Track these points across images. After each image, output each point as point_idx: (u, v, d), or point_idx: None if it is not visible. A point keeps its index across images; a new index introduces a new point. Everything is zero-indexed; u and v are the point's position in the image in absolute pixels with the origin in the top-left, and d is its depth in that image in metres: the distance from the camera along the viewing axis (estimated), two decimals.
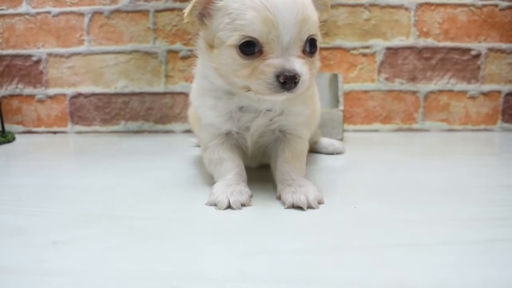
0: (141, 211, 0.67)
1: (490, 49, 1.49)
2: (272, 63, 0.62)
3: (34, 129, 1.58)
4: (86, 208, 0.69)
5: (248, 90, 0.66)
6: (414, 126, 1.52)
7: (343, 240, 0.55)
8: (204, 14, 0.69)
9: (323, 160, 1.06)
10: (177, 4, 1.47)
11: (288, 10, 0.62)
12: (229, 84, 0.69)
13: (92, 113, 1.55)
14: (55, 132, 1.57)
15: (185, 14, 0.68)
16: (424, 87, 1.50)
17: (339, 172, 0.98)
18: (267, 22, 0.61)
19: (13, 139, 1.42)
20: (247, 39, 0.63)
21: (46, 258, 0.50)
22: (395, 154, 1.14)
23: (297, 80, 0.62)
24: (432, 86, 1.50)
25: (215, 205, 0.67)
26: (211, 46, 0.69)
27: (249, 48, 0.63)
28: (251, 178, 0.77)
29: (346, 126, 1.44)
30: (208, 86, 0.74)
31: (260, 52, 0.63)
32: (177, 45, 1.49)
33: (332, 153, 1.11)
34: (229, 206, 0.66)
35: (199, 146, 1.12)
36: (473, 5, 1.47)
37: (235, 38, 0.63)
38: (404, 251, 0.51)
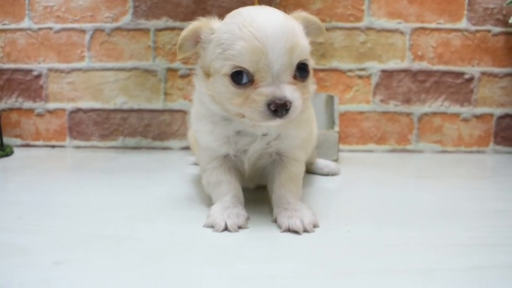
0: (139, 232, 0.69)
1: (483, 73, 1.52)
2: (263, 92, 0.63)
3: (32, 143, 1.59)
4: (86, 227, 0.70)
5: (243, 117, 0.68)
6: (408, 147, 1.54)
7: (336, 265, 0.57)
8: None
9: (319, 181, 1.07)
10: (177, 24, 1.49)
11: (277, 39, 0.62)
12: (225, 111, 0.71)
13: (90, 128, 1.56)
14: (53, 146, 1.58)
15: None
16: (418, 109, 1.53)
17: (334, 194, 1.00)
18: (257, 52, 0.62)
19: (12, 152, 1.43)
20: (237, 69, 0.64)
21: (48, 279, 0.51)
22: (390, 175, 1.16)
23: (288, 107, 0.63)
24: (426, 108, 1.53)
25: (212, 227, 0.69)
26: (207, 75, 0.71)
27: (240, 77, 0.64)
28: (248, 199, 0.79)
29: (341, 146, 1.46)
30: (205, 111, 0.76)
31: (252, 81, 0.64)
32: (177, 64, 1.51)
33: (328, 175, 1.13)
34: (226, 229, 0.67)
35: (196, 164, 1.14)
36: (466, 30, 1.50)
37: (226, 68, 0.64)
38: (395, 277, 0.53)
